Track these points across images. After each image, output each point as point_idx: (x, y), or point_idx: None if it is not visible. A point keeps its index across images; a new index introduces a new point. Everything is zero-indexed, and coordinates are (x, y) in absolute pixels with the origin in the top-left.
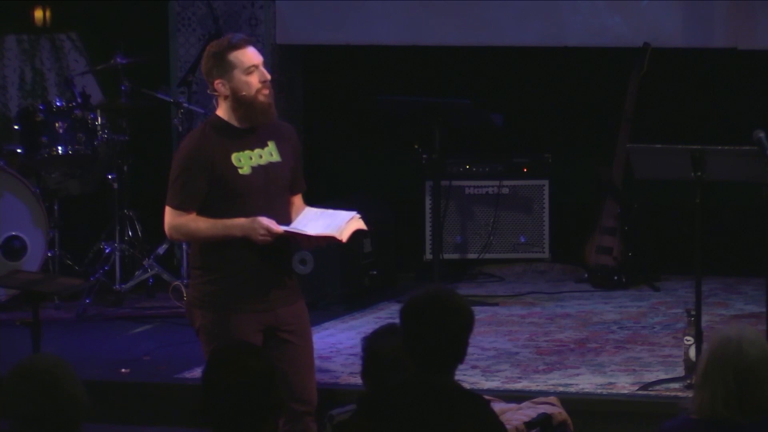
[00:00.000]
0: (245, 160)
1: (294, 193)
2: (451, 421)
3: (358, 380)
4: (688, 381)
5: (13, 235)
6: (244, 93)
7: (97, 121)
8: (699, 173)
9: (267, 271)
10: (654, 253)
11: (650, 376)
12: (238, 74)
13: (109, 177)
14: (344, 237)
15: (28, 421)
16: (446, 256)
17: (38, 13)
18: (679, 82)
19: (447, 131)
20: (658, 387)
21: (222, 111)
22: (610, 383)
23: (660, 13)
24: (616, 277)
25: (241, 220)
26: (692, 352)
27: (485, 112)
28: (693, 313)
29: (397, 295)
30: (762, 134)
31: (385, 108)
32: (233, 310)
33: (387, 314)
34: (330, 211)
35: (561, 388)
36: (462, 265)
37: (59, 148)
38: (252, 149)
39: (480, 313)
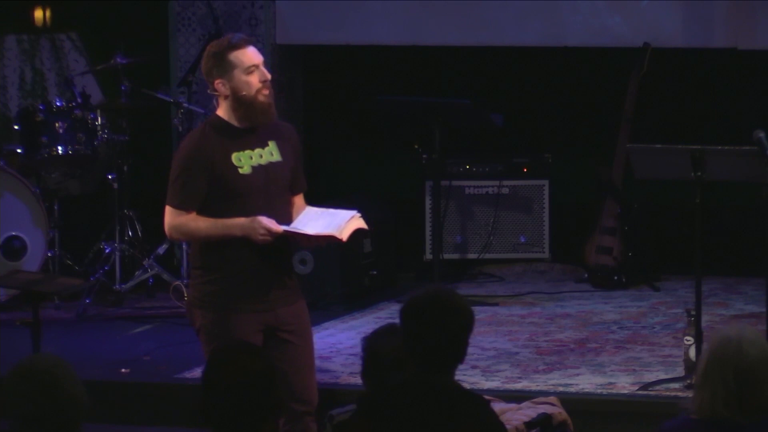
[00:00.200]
0: (245, 160)
1: (295, 193)
2: (451, 421)
3: (358, 380)
4: (688, 381)
5: (13, 235)
6: (244, 93)
7: (97, 121)
8: (699, 173)
9: (267, 271)
10: (654, 253)
11: (650, 376)
12: (238, 74)
13: (109, 177)
14: (344, 236)
15: (28, 421)
16: (446, 256)
17: (38, 13)
18: (679, 82)
19: (447, 131)
20: (658, 387)
21: (222, 111)
22: (610, 383)
23: (660, 13)
24: (616, 277)
25: (241, 220)
26: (692, 352)
27: (485, 112)
28: (693, 313)
29: (397, 295)
30: (762, 134)
31: (385, 108)
32: (233, 310)
33: (387, 314)
34: (330, 211)
35: (561, 388)
36: (462, 265)
37: (59, 148)
38: (252, 149)
39: (480, 313)
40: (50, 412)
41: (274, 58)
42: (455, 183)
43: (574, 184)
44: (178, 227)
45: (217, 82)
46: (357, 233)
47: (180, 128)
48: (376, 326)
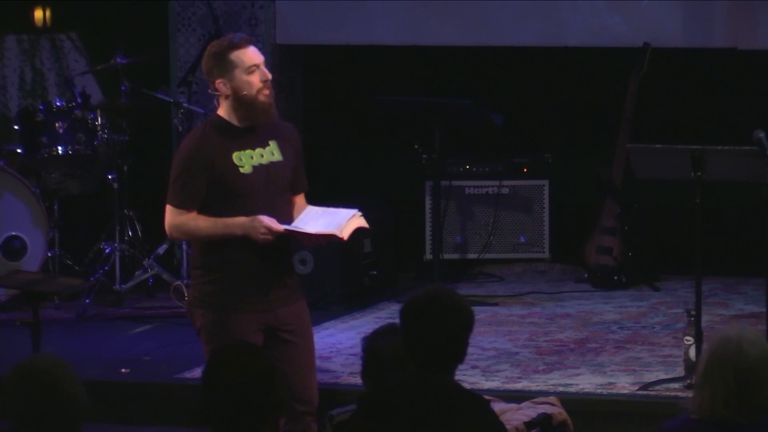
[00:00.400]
0: (246, 159)
1: (296, 193)
2: (451, 421)
3: (358, 380)
4: (688, 381)
5: (13, 235)
6: (245, 92)
7: (97, 121)
8: (699, 173)
9: (267, 270)
10: (654, 253)
11: (650, 376)
12: (239, 74)
13: (109, 177)
14: (345, 235)
15: (28, 421)
16: (446, 256)
17: (38, 13)
18: (679, 82)
19: (447, 131)
20: (658, 387)
21: (223, 110)
22: (610, 383)
23: (660, 13)
24: (616, 277)
25: (241, 219)
26: (692, 352)
27: (485, 112)
28: (693, 313)
29: (397, 295)
30: (762, 134)
31: (385, 108)
32: (233, 310)
33: (387, 314)
34: (331, 210)
35: (561, 388)
36: (462, 265)
37: (59, 148)
38: (253, 148)
39: (480, 313)
40: (50, 412)
41: (274, 58)
42: (455, 183)
43: (574, 184)
44: (179, 226)
45: (218, 81)
46: (358, 232)
47: (180, 128)
48: (376, 326)
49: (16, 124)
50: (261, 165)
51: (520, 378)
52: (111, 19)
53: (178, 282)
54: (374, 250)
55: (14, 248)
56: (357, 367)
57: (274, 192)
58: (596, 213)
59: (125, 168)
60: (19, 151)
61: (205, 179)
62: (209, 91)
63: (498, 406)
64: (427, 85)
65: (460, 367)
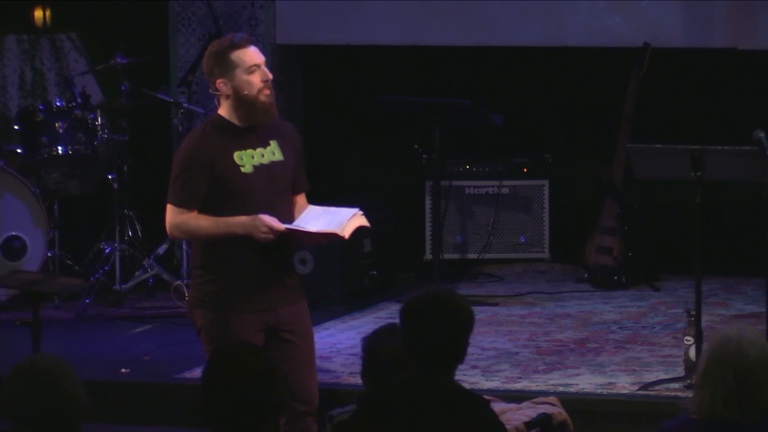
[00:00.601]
0: (247, 159)
1: (297, 193)
2: (451, 421)
3: (358, 380)
4: (688, 381)
5: (13, 235)
6: (245, 92)
7: (97, 121)
8: (699, 173)
9: (268, 270)
10: (654, 253)
11: (650, 376)
12: (239, 73)
13: (109, 177)
14: (347, 234)
15: (28, 421)
16: (446, 256)
17: (38, 13)
18: (679, 82)
19: (447, 131)
20: (658, 387)
21: (224, 110)
22: (610, 383)
23: (660, 13)
24: (616, 277)
25: (242, 218)
26: (692, 352)
27: (485, 112)
28: (693, 313)
29: (397, 295)
30: (762, 134)
31: (385, 108)
32: (233, 310)
33: (387, 314)
34: (332, 209)
35: (561, 388)
36: (462, 265)
37: (59, 148)
38: (254, 148)
39: (480, 313)
40: (50, 412)
41: (274, 58)
42: (455, 183)
43: (574, 184)
44: (179, 226)
45: (218, 81)
46: (359, 231)
47: (180, 128)
48: (376, 326)
49: (16, 124)
50: (262, 165)
51: (520, 378)
52: (111, 19)
53: (179, 282)
54: (374, 250)
55: (14, 248)
56: (357, 367)
57: (274, 192)
58: (596, 213)
59: (125, 168)
60: (19, 151)
61: (205, 179)
62: (210, 90)
63: (498, 406)
64: (427, 85)
65: (460, 367)
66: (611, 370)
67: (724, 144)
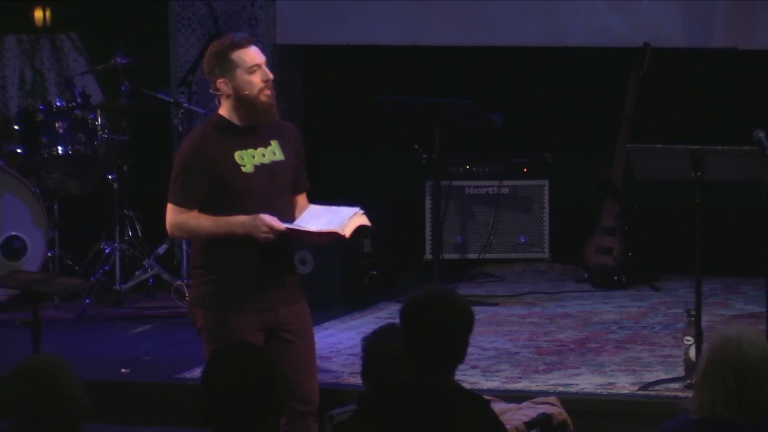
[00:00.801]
0: (248, 159)
1: (298, 192)
2: (451, 421)
3: (358, 380)
4: (688, 381)
5: (13, 235)
6: (246, 92)
7: (97, 121)
8: (699, 173)
9: (268, 270)
10: (654, 253)
11: (650, 376)
12: (240, 73)
13: (109, 177)
14: (347, 232)
15: (28, 421)
16: (446, 256)
17: (38, 13)
18: (679, 82)
19: (447, 131)
20: (658, 387)
21: (224, 110)
22: (610, 383)
23: (660, 13)
24: (616, 277)
25: (243, 218)
26: (692, 352)
27: (485, 112)
28: (693, 313)
29: (397, 295)
30: (762, 134)
31: (385, 108)
32: (234, 310)
33: (387, 314)
34: (333, 208)
35: (561, 388)
36: (462, 265)
37: (59, 148)
38: (255, 148)
39: (480, 313)
40: (50, 412)
41: (274, 58)
42: (455, 183)
43: (574, 184)
44: (180, 225)
45: (219, 81)
46: (360, 230)
47: (180, 128)
48: (376, 326)
49: (16, 124)
50: (263, 164)
51: (520, 378)
52: (111, 19)
53: (179, 282)
54: (374, 250)
55: (14, 248)
56: (357, 367)
57: (275, 191)
58: (596, 213)
59: (125, 168)
60: (19, 151)
61: (205, 178)
62: (210, 90)
63: (498, 406)
64: (427, 85)
65: (460, 367)
66: (611, 370)
67: (724, 144)
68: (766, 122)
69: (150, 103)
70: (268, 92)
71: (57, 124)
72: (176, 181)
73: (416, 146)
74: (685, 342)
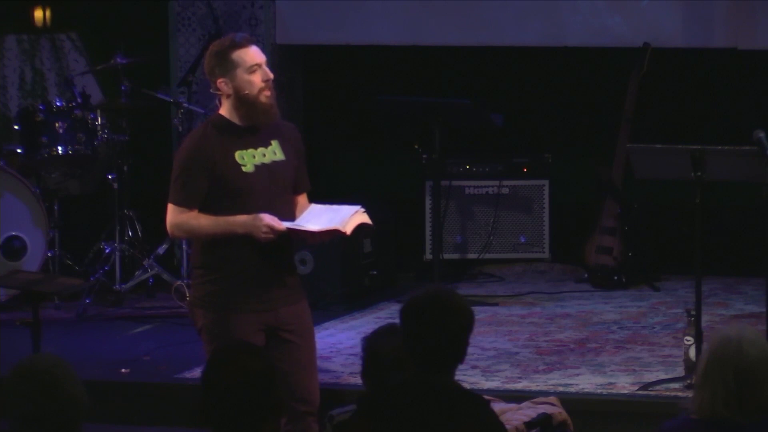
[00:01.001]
0: (248, 159)
1: (298, 193)
2: (451, 421)
3: (358, 380)
4: (688, 381)
5: (13, 235)
6: (246, 92)
7: (97, 121)
8: (699, 173)
9: (268, 270)
10: (654, 253)
11: (650, 376)
12: (240, 73)
13: (109, 177)
14: (348, 229)
15: (28, 421)
16: (446, 256)
17: (38, 13)
18: (679, 82)
19: (447, 131)
20: (658, 387)
21: (225, 110)
22: (610, 383)
23: (660, 13)
24: (616, 277)
25: (243, 217)
26: (692, 352)
27: (485, 112)
28: (693, 313)
29: (397, 295)
30: (762, 134)
31: (385, 108)
32: (233, 310)
33: (387, 314)
34: (334, 207)
35: (561, 388)
36: (462, 265)
37: (59, 148)
38: (255, 148)
39: (480, 313)
40: (50, 412)
41: (274, 58)
42: (455, 183)
43: (574, 184)
44: (180, 225)
45: (219, 80)
46: (360, 228)
47: (180, 128)
48: (376, 326)
49: (16, 124)
50: (263, 164)
51: (520, 378)
52: (111, 19)
53: (180, 282)
54: (374, 250)
55: (14, 248)
56: (357, 367)
57: (275, 191)
58: (596, 213)
59: (125, 168)
60: (19, 151)
61: (205, 178)
62: (211, 90)
63: (498, 406)
64: (427, 85)
65: (460, 367)
66: (611, 370)
67: (724, 144)
68: (766, 122)
69: (150, 103)
70: (268, 92)
71: (57, 124)
72: (176, 181)
73: (416, 146)
74: (685, 342)
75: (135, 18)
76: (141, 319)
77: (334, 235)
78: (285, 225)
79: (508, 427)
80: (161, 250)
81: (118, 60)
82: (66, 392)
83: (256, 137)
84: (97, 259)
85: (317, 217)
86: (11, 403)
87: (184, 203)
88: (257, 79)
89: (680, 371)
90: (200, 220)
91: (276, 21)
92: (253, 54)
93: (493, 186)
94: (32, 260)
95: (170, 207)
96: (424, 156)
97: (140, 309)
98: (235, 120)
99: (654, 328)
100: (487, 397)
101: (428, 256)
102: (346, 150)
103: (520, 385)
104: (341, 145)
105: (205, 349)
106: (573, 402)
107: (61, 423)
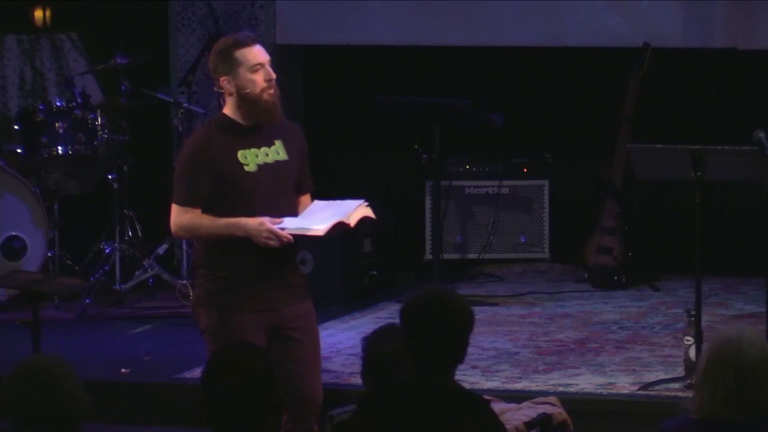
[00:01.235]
0: (251, 158)
1: (302, 193)
2: (451, 421)
3: (358, 380)
4: (688, 381)
5: (13, 235)
6: (248, 91)
7: (97, 121)
8: (699, 173)
9: (270, 270)
10: (654, 253)
11: (650, 376)
12: (243, 72)
13: (109, 177)
14: (352, 222)
15: (28, 421)
16: (446, 256)
17: (38, 13)
18: (679, 82)
19: (447, 131)
20: (658, 387)
21: (228, 109)
22: (610, 383)
23: (660, 13)
24: (616, 277)
25: (245, 220)
26: (692, 352)
27: (485, 112)
28: (693, 313)
29: (397, 295)
30: (762, 134)
31: (385, 108)
32: (235, 311)
33: (387, 314)
34: (337, 201)
35: (561, 388)
36: (462, 265)
37: (59, 148)
38: (258, 147)
39: (480, 313)
40: (50, 412)
41: (274, 58)
42: (455, 183)
43: (574, 184)
44: (183, 225)
45: (222, 79)
46: (364, 221)
47: (180, 128)
48: (376, 326)
49: (16, 124)
50: (266, 164)
51: (520, 378)
52: (111, 19)
53: (183, 282)
54: (374, 250)
55: (14, 248)
56: (357, 367)
57: (278, 191)
58: (596, 213)
59: (125, 168)
60: (19, 151)
61: (208, 178)
62: (214, 88)
63: (498, 406)
64: (427, 85)
65: (460, 367)
66: (611, 370)
67: (724, 144)
68: (766, 122)
69: (150, 103)
70: (270, 91)
71: (57, 124)
72: (179, 181)
73: (416, 146)
74: (685, 342)
75: (135, 18)
76: (141, 319)
77: (338, 228)
78: (289, 232)
79: (508, 427)
80: (161, 250)
81: (118, 60)
82: (66, 392)
83: (259, 137)
84: (97, 259)
85: (320, 212)
86: (11, 403)
87: (187, 203)
88: (260, 78)
89: (680, 371)
90: (202, 221)
91: (276, 21)
92: (257, 53)
93: (493, 186)
94: (32, 260)
95: (174, 207)
96: (424, 156)
97: (140, 309)
98: (238, 119)
99: (654, 328)
100: (487, 397)
101: (428, 256)
102: (346, 150)
103: (520, 385)
104: (341, 145)
105: (207, 348)
106: (573, 402)
107: (62, 423)
